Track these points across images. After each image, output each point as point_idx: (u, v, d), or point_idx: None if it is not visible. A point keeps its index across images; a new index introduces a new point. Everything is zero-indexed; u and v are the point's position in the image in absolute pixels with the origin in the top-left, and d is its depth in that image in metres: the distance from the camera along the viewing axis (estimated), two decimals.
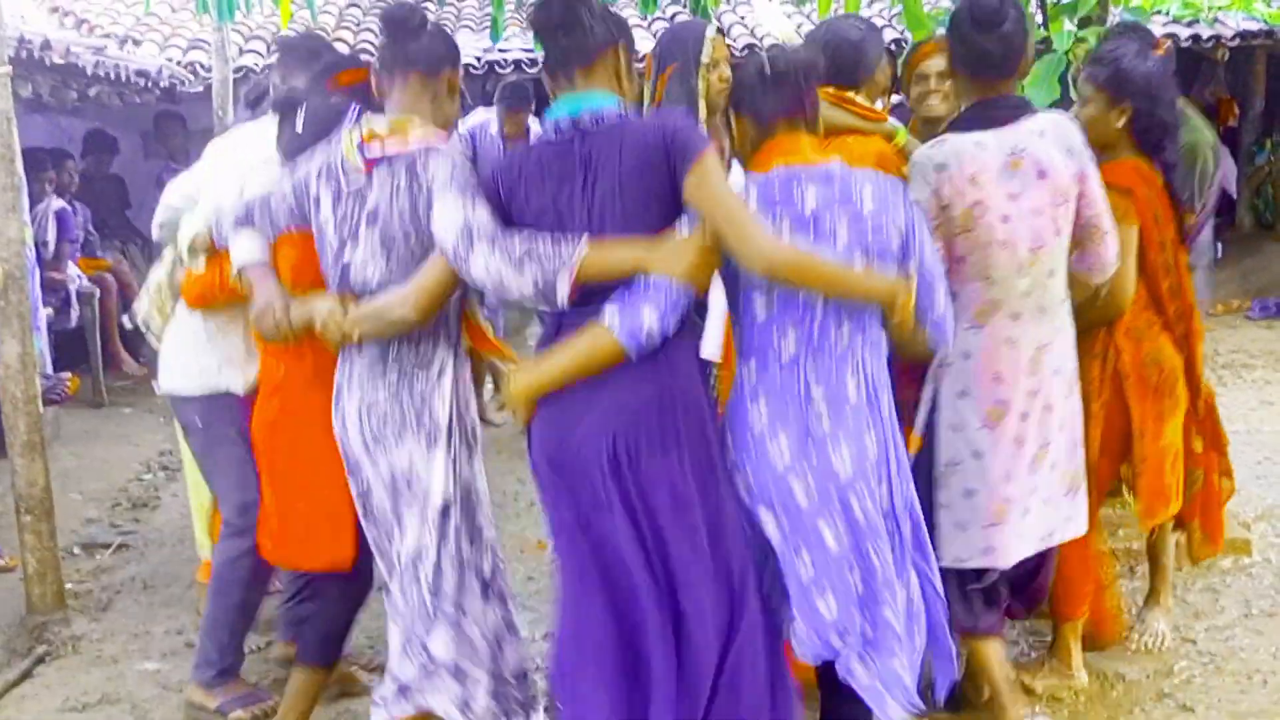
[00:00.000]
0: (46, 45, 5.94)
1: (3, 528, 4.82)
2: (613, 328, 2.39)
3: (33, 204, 6.67)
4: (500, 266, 2.39)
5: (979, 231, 2.74)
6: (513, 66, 8.62)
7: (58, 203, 7.22)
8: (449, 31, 3.21)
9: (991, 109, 2.80)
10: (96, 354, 7.27)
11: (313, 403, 2.82)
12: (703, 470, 2.44)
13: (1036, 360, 2.81)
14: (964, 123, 2.83)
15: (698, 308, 2.61)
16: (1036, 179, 2.75)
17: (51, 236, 7.07)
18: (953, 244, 2.75)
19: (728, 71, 3.09)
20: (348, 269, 2.64)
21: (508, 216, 2.48)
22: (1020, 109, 2.83)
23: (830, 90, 2.97)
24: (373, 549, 2.78)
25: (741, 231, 2.38)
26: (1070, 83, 4.05)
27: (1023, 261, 2.76)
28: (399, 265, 2.57)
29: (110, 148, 8.60)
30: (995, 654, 2.97)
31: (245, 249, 2.78)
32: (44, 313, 6.78)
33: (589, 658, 2.43)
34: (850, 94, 3.12)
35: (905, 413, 2.72)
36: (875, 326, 2.55)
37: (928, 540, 2.67)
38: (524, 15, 7.90)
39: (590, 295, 2.39)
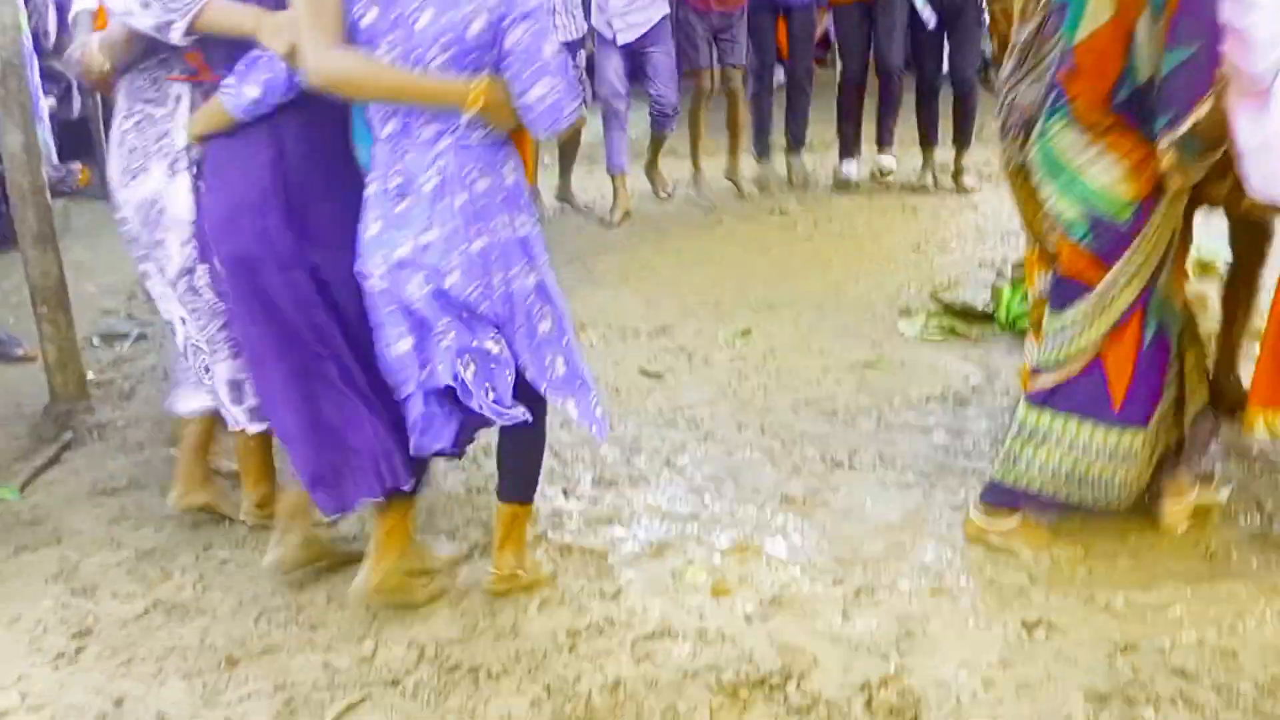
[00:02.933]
0: None
1: (22, 319, 4.84)
2: (224, 90, 2.72)
3: None
4: (128, 3, 2.75)
5: None
6: None
7: None
8: None
9: None
10: (101, 144, 7.15)
11: None
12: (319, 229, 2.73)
13: None
14: None
15: None
16: None
17: (52, 27, 6.86)
18: None
19: None
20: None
21: None
22: None
23: None
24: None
25: (302, 41, 2.54)
26: None
27: None
28: None
29: None
30: None
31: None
32: (45, 102, 6.65)
33: (271, 378, 2.82)
34: None
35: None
36: (462, 121, 2.61)
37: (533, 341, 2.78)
38: None
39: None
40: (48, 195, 4.00)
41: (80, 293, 4.54)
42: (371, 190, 2.71)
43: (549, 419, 2.97)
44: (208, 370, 3.16)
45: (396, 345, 2.73)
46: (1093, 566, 3.03)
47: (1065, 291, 2.98)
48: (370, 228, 2.69)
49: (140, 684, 2.73)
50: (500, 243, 2.69)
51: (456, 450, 2.95)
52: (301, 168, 2.73)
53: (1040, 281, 3.28)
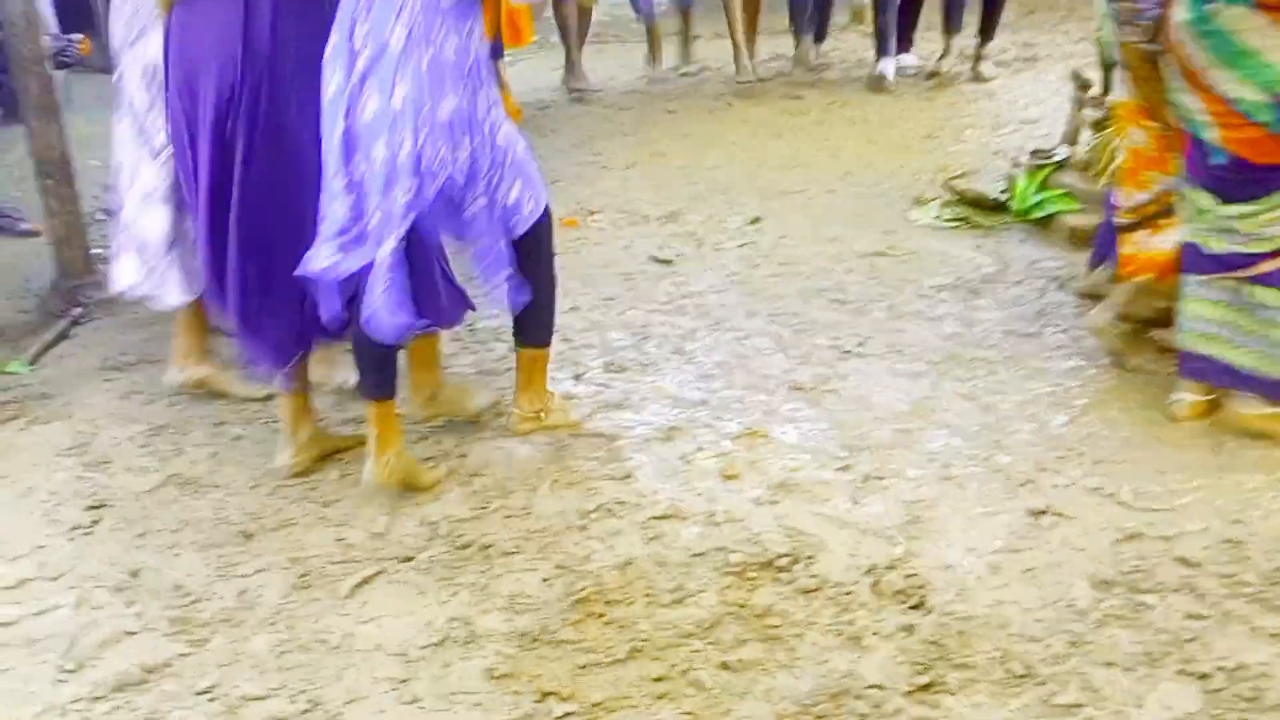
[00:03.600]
0: None
1: (26, 194, 4.80)
2: None
3: None
4: None
5: None
6: None
7: None
8: None
9: None
10: (102, 15, 6.99)
11: None
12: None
13: None
14: None
15: None
16: None
17: None
18: None
19: None
20: None
21: None
22: None
23: None
24: None
25: None
26: None
27: None
28: None
29: None
30: None
31: None
32: None
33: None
34: None
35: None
36: None
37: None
38: None
39: None
40: (49, 65, 3.93)
41: (85, 168, 4.48)
42: (333, 45, 2.61)
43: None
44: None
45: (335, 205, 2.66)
46: (1100, 457, 3.05)
47: (1258, 177, 2.95)
48: (330, 86, 2.61)
49: (156, 555, 2.77)
50: (465, 110, 2.65)
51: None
52: (267, 31, 2.66)
53: (1135, 135, 3.30)
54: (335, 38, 2.61)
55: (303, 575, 2.68)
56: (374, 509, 2.91)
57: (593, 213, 4.91)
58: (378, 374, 2.85)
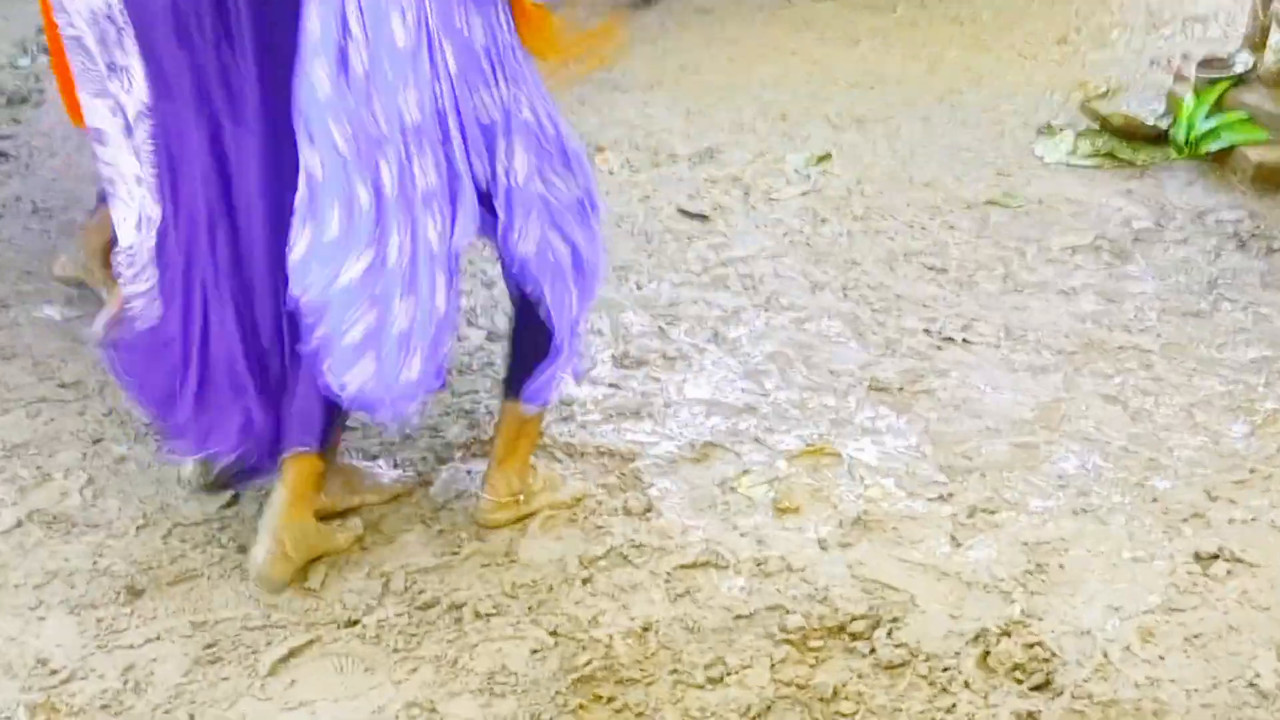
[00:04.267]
0: None
1: None
2: None
3: None
4: None
5: None
6: None
7: None
8: None
9: None
10: None
11: None
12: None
13: None
14: None
15: None
16: None
17: None
18: None
19: None
20: None
21: None
22: None
23: None
24: None
25: None
26: None
27: None
28: None
29: None
30: None
31: None
32: None
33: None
34: None
35: None
36: None
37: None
38: None
39: None
40: None
41: None
42: (316, 33, 2.63)
43: None
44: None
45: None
46: None
47: None
48: (319, 87, 2.64)
49: (15, 619, 2.79)
50: (491, 111, 2.72)
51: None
52: None
53: None
54: (318, 25, 2.63)
55: (209, 646, 2.70)
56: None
57: (601, 150, 4.91)
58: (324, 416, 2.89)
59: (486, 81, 2.72)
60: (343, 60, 2.63)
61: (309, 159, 2.70)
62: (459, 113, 2.68)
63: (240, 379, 2.89)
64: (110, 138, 3.05)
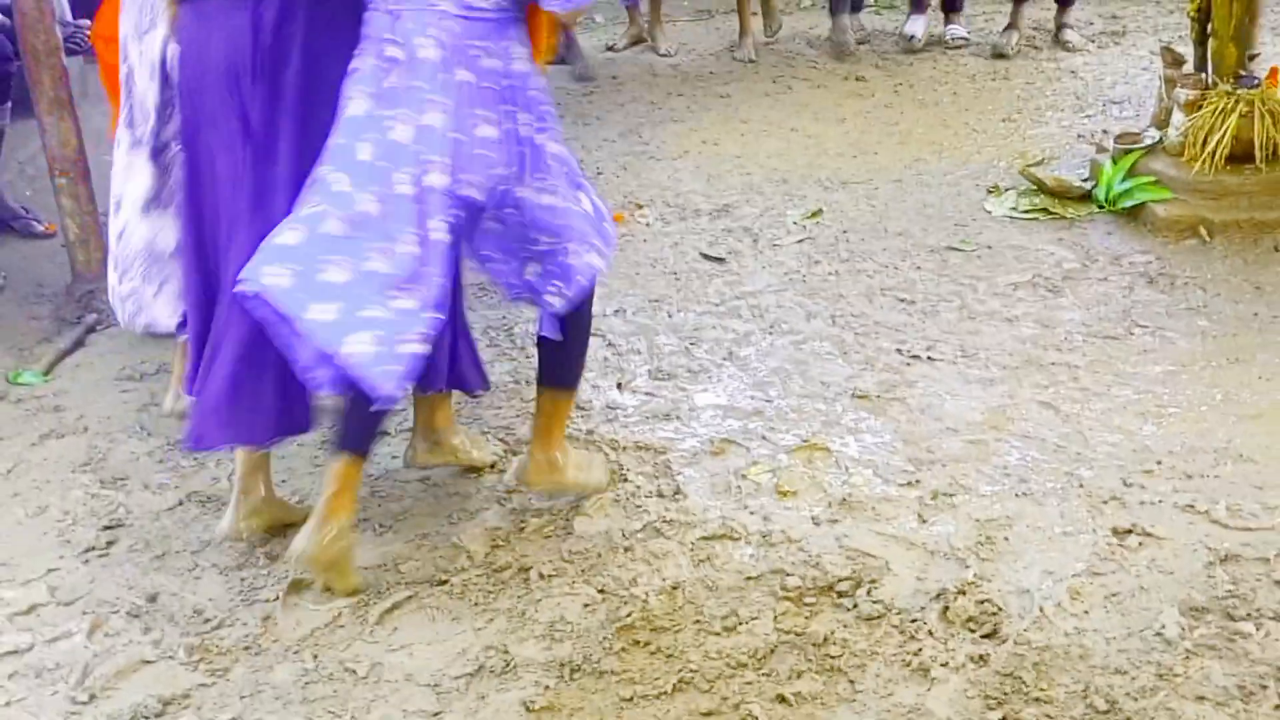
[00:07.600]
0: None
1: (39, 192, 4.90)
2: None
3: None
4: None
5: None
6: None
7: None
8: None
9: None
10: None
11: None
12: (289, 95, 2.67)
13: None
14: None
15: None
16: None
17: None
18: None
19: None
20: None
21: None
22: None
23: None
24: None
25: None
26: None
27: None
28: None
29: None
30: None
31: None
32: None
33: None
34: None
35: None
36: None
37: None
38: None
39: None
40: (63, 57, 4.01)
41: (100, 164, 4.57)
42: (360, 64, 2.60)
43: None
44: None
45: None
46: (1193, 470, 3.02)
47: None
48: (354, 105, 2.59)
49: (175, 579, 2.82)
50: (506, 137, 2.62)
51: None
52: (279, 33, 2.63)
53: None
54: (365, 59, 2.60)
55: (329, 600, 2.72)
56: (405, 529, 2.95)
57: (639, 206, 4.92)
58: (362, 421, 2.69)
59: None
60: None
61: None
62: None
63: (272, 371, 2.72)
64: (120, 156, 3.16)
